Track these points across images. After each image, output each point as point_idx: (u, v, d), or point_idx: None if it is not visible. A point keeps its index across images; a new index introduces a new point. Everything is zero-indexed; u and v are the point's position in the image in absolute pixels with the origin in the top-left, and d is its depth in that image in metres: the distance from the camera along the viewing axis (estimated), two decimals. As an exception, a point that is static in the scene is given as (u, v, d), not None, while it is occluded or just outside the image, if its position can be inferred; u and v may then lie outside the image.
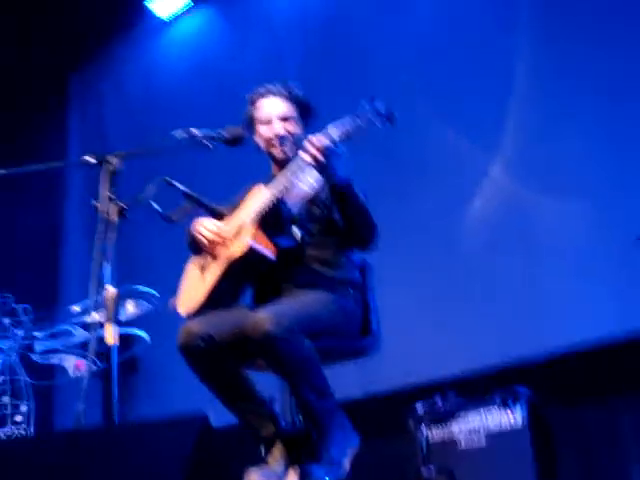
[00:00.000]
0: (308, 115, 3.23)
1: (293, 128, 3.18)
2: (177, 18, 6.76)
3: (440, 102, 4.93)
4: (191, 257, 3.32)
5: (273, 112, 3.18)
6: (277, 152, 3.18)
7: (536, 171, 4.60)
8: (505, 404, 3.89)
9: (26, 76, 6.75)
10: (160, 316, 3.93)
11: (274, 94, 3.20)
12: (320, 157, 2.79)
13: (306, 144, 2.83)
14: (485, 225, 4.70)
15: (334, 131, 2.80)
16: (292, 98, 3.20)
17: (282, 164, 3.18)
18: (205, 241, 3.10)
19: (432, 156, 4.93)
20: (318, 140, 2.80)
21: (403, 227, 4.81)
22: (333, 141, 2.80)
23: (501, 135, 4.74)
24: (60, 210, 6.73)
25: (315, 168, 2.84)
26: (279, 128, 3.16)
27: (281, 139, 3.16)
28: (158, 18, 6.75)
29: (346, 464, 2.88)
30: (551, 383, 4.19)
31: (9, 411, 4.73)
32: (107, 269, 2.63)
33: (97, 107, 7.09)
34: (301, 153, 2.87)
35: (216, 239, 3.09)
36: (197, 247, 3.19)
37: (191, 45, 6.68)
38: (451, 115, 4.88)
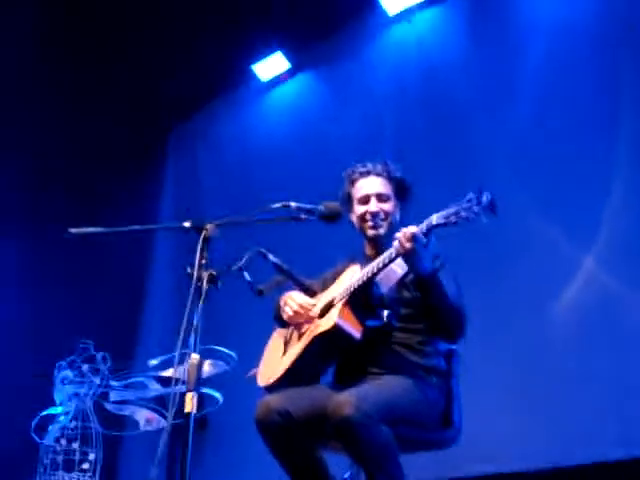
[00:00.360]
0: (406, 196, 3.23)
1: (389, 208, 3.18)
2: (277, 82, 6.81)
3: (537, 193, 4.84)
4: (276, 329, 3.31)
5: (371, 191, 3.19)
6: (370, 229, 3.18)
7: (629, 265, 4.45)
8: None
9: (127, 134, 6.86)
10: (236, 380, 3.90)
11: (374, 174, 3.22)
12: (406, 244, 2.76)
13: (397, 233, 2.82)
14: (575, 319, 4.56)
15: (436, 218, 2.76)
16: (391, 178, 3.21)
17: (374, 243, 3.18)
18: (291, 313, 3.08)
19: (526, 246, 4.83)
20: (407, 229, 2.78)
21: (493, 316, 4.71)
22: (428, 228, 2.77)
23: (596, 228, 4.63)
24: (147, 269, 6.86)
25: (400, 255, 2.81)
26: (375, 206, 3.16)
27: (374, 217, 3.16)
28: (259, 81, 6.81)
29: None
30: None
31: (77, 457, 4.74)
32: (193, 337, 2.60)
33: (193, 169, 7.18)
34: (393, 242, 2.84)
35: (300, 311, 3.07)
36: (283, 320, 3.17)
37: (290, 109, 6.72)
38: (548, 206, 4.79)
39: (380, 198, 3.18)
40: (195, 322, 2.58)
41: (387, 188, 3.19)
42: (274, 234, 4.19)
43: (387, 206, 3.17)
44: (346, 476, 3.16)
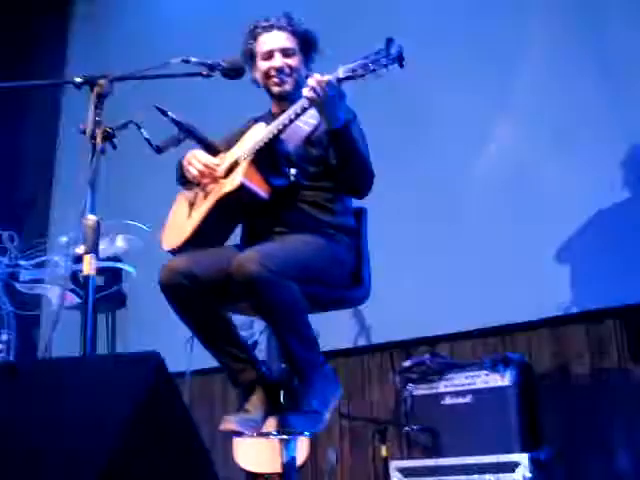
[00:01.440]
0: (311, 50, 3.11)
1: (294, 63, 3.06)
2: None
3: (455, 58, 4.75)
4: (181, 192, 3.20)
5: (275, 46, 3.06)
6: (275, 86, 3.07)
7: (544, 133, 4.44)
8: (495, 368, 3.84)
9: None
10: (149, 251, 3.81)
11: (277, 28, 3.08)
12: (320, 91, 2.66)
13: (309, 79, 2.71)
14: (490, 186, 4.56)
15: (342, 71, 2.66)
16: (296, 32, 3.07)
17: (280, 99, 3.08)
18: (195, 172, 2.97)
19: (442, 110, 4.76)
20: (321, 75, 2.67)
21: (405, 179, 4.70)
22: (337, 79, 2.66)
23: (510, 95, 4.58)
24: (55, 135, 6.57)
25: (313, 103, 2.70)
26: (279, 61, 3.04)
27: (279, 72, 3.05)
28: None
29: (327, 415, 2.79)
30: (540, 350, 4.11)
31: (-11, 338, 4.66)
32: (90, 197, 2.49)
33: (99, 33, 6.89)
34: (303, 90, 2.73)
35: (206, 171, 2.96)
36: (187, 181, 3.07)
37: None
38: (465, 73, 4.71)
39: (284, 53, 3.05)
40: (90, 180, 2.46)
41: (292, 42, 3.06)
42: (180, 98, 4.07)
43: (292, 61, 3.05)
44: (256, 338, 3.15)
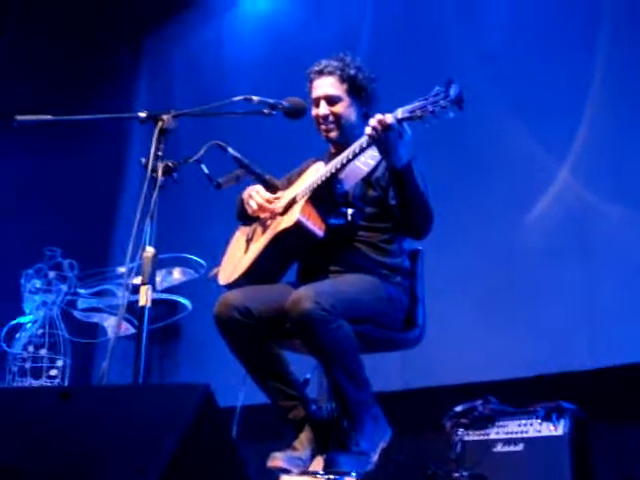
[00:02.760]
0: (362, 93, 3.06)
1: (340, 110, 3.04)
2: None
3: (517, 101, 4.75)
4: (240, 227, 3.24)
5: (320, 93, 3.06)
6: (322, 132, 3.08)
7: (604, 178, 4.40)
8: (549, 418, 3.76)
9: (103, 35, 6.77)
10: (206, 285, 3.85)
11: (326, 74, 3.05)
12: (380, 129, 2.66)
13: (371, 119, 2.71)
14: (548, 230, 4.52)
15: (401, 112, 2.67)
16: (345, 77, 3.03)
17: (334, 144, 3.09)
18: (255, 207, 3.00)
19: (501, 154, 4.76)
20: (381, 117, 2.68)
21: (463, 222, 4.68)
22: (397, 119, 2.67)
23: (573, 139, 4.54)
24: (122, 168, 6.72)
25: (375, 143, 2.71)
26: (323, 110, 3.04)
27: (325, 120, 3.04)
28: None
29: (375, 457, 2.77)
30: (598, 399, 4.02)
31: (45, 364, 4.73)
32: (149, 229, 2.53)
33: (168, 73, 7.06)
34: (366, 128, 2.74)
35: (265, 205, 2.98)
36: (246, 217, 3.10)
37: (265, 17, 6.57)
38: (526, 115, 4.70)
39: (329, 100, 3.03)
40: (149, 213, 2.50)
41: (338, 88, 3.03)
42: (244, 137, 4.13)
43: (337, 108, 3.03)
44: (308, 376, 3.14)
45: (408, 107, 2.67)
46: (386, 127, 2.66)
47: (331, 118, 3.04)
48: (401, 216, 2.89)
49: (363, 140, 2.78)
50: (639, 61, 4.36)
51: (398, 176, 2.77)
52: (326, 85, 3.05)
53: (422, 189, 2.83)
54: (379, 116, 2.69)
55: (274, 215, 2.99)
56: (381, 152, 2.75)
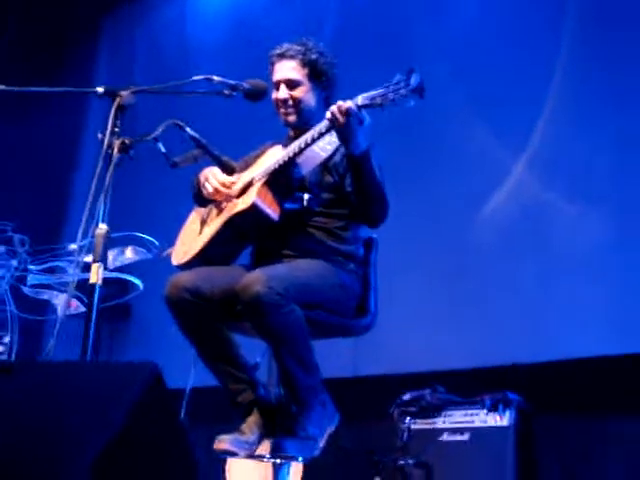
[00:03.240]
0: (323, 78, 3.05)
1: (299, 94, 3.02)
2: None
3: (476, 94, 4.79)
4: (195, 208, 3.22)
5: (280, 77, 3.04)
6: (281, 116, 3.07)
7: (560, 175, 4.45)
8: (495, 408, 3.81)
9: (61, 14, 6.69)
10: (158, 265, 3.82)
11: (287, 57, 3.03)
12: (340, 118, 2.66)
13: (332, 105, 2.71)
14: (501, 224, 4.57)
15: (362, 98, 2.67)
16: (306, 61, 3.02)
17: (291, 128, 3.09)
18: (211, 190, 2.98)
19: (457, 145, 4.80)
20: (342, 103, 2.68)
21: (417, 212, 4.71)
22: (357, 106, 2.67)
23: (530, 135, 4.59)
24: (76, 143, 6.62)
25: (334, 129, 2.71)
26: (283, 93, 3.02)
27: (284, 104, 3.03)
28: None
29: (322, 443, 2.79)
30: (543, 392, 4.08)
31: (-8, 339, 4.66)
32: (102, 206, 2.50)
33: (128, 52, 6.98)
34: (326, 113, 2.74)
35: (221, 189, 2.96)
36: (201, 198, 3.09)
37: (230, 0, 6.54)
38: (484, 109, 4.73)
39: (289, 84, 3.02)
40: (104, 190, 2.47)
41: (299, 72, 3.02)
42: (203, 117, 4.10)
43: (297, 92, 3.02)
44: (258, 360, 3.14)
45: (369, 94, 2.67)
46: (346, 113, 2.65)
47: (290, 102, 3.03)
48: (357, 203, 2.89)
49: (322, 125, 2.77)
50: (600, 56, 4.41)
51: (356, 163, 2.77)
52: (287, 69, 3.03)
53: (378, 177, 2.84)
54: (340, 102, 2.69)
55: (230, 198, 2.97)
56: (340, 138, 2.75)
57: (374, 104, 2.65)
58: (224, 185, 2.97)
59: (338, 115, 2.66)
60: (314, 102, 3.04)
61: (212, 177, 2.99)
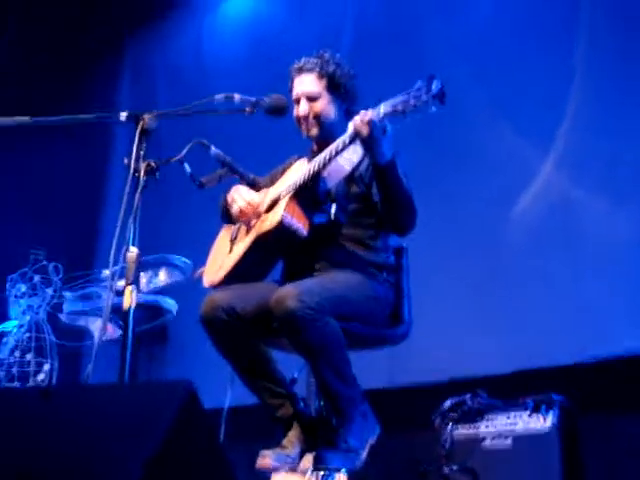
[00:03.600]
0: (342, 92, 3.05)
1: (319, 107, 3.03)
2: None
3: (498, 95, 4.75)
4: (224, 227, 3.23)
5: (300, 91, 3.06)
6: (303, 131, 3.08)
7: (588, 173, 4.41)
8: (537, 410, 3.76)
9: (85, 36, 6.77)
10: (192, 286, 3.84)
11: (305, 71, 3.06)
12: (365, 129, 2.65)
13: (355, 116, 2.70)
14: (532, 225, 4.53)
15: (384, 107, 2.67)
16: (323, 73, 3.03)
17: (317, 143, 3.09)
18: (237, 208, 2.99)
19: (484, 149, 4.76)
20: (365, 113, 2.67)
21: (445, 217, 4.68)
22: (380, 116, 2.66)
23: (556, 134, 4.55)
24: (103, 167, 6.68)
25: (359, 140, 2.70)
26: (303, 108, 3.04)
27: (305, 119, 3.04)
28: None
29: (364, 454, 2.77)
30: (586, 391, 4.03)
31: (32, 368, 4.70)
32: (132, 229, 2.52)
33: (148, 75, 7.04)
34: (349, 124, 2.73)
35: (248, 208, 2.97)
36: (230, 216, 3.09)
37: (246, 19, 6.57)
38: (508, 111, 4.70)
39: (309, 98, 3.03)
40: (133, 214, 2.49)
41: (317, 85, 3.03)
42: (227, 135, 4.12)
43: (317, 106, 3.03)
44: (295, 375, 3.14)
45: (390, 101, 2.66)
46: (369, 123, 2.65)
47: (311, 116, 3.04)
48: (384, 212, 2.88)
49: (346, 136, 2.77)
50: (618, 54, 4.37)
51: (382, 172, 2.76)
52: (305, 82, 3.05)
53: (405, 185, 2.83)
54: (362, 112, 2.68)
55: (258, 215, 2.98)
56: (365, 148, 2.75)
57: (396, 112, 2.64)
58: (250, 204, 2.98)
59: (361, 126, 2.66)
60: (334, 114, 3.05)
61: (239, 197, 3.00)
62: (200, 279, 3.16)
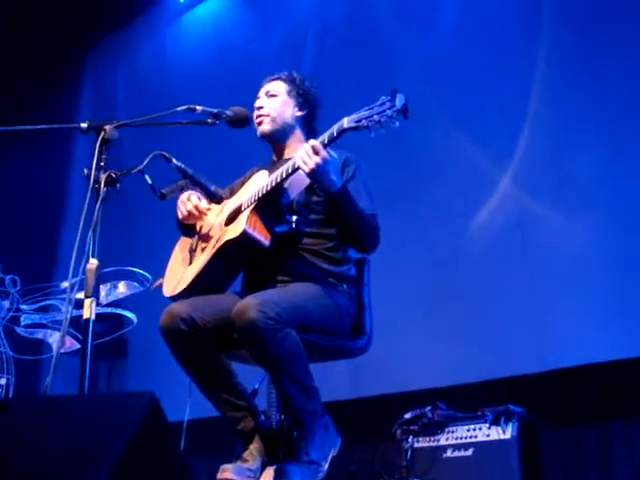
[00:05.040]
0: (301, 101, 3.12)
1: (275, 104, 3.10)
2: (196, 2, 6.69)
3: (457, 110, 4.81)
4: (181, 238, 3.21)
5: (263, 90, 3.15)
6: (257, 128, 3.11)
7: (544, 187, 4.47)
8: (497, 422, 3.79)
9: (45, 51, 6.73)
10: (151, 298, 3.81)
11: (274, 79, 3.16)
12: (311, 165, 2.69)
13: (300, 150, 2.74)
14: (490, 237, 4.58)
15: (346, 121, 2.68)
16: (288, 81, 3.14)
17: (272, 144, 3.15)
18: (185, 212, 3.00)
19: (443, 163, 4.81)
20: (309, 143, 2.71)
21: (408, 230, 4.72)
22: (324, 142, 2.72)
23: (514, 149, 4.61)
24: (62, 179, 6.61)
25: (307, 175, 2.74)
26: (259, 102, 3.12)
27: (259, 110, 3.09)
28: (177, 1, 6.73)
29: (325, 466, 2.76)
30: (543, 402, 4.07)
31: (-12, 382, 4.63)
32: (92, 241, 2.49)
33: (111, 86, 7.00)
34: (296, 158, 2.76)
35: (194, 212, 2.98)
36: (184, 226, 3.10)
37: (209, 30, 6.57)
38: (467, 124, 4.76)
39: (269, 94, 3.12)
40: (92, 225, 2.47)
41: (280, 87, 3.13)
42: (189, 147, 4.11)
43: (274, 102, 3.10)
44: (256, 387, 3.12)
45: (354, 116, 2.68)
46: (312, 155, 2.68)
47: (265, 110, 3.09)
48: (343, 236, 2.95)
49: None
50: (577, 69, 4.44)
51: (334, 200, 2.80)
52: (270, 84, 3.15)
53: (363, 206, 2.87)
54: (305, 145, 2.72)
55: (210, 223, 2.98)
56: (313, 181, 2.80)
57: (360, 126, 2.66)
58: (197, 209, 2.98)
59: (307, 159, 2.69)
60: (289, 115, 3.10)
61: (187, 201, 3.01)
62: (159, 290, 3.13)
